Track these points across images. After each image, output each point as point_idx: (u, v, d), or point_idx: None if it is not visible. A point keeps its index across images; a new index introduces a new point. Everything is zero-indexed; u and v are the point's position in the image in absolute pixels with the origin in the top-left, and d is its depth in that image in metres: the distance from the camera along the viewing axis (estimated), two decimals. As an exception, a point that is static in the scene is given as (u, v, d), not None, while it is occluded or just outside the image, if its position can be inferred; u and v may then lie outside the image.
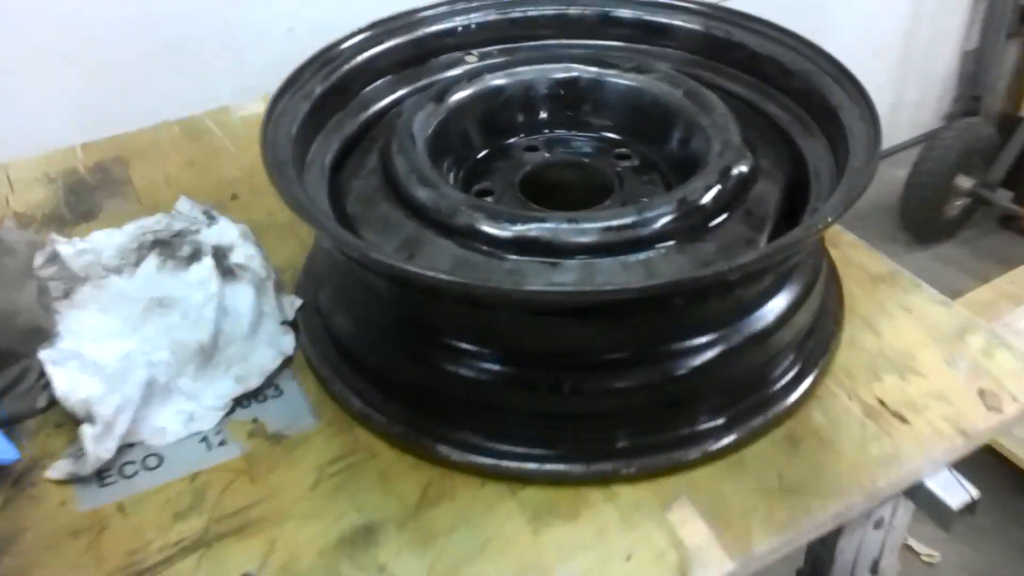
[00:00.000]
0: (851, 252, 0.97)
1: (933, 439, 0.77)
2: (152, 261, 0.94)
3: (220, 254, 0.94)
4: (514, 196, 0.88)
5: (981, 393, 0.81)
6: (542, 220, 0.75)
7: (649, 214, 0.76)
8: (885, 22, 2.48)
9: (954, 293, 2.25)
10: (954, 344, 0.86)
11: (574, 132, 0.96)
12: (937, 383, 0.82)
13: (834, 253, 0.96)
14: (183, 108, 1.55)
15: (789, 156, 0.87)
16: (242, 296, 0.90)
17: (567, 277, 0.73)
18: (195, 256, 0.94)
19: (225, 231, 0.97)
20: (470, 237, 0.75)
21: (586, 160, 0.93)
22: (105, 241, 0.98)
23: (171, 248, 0.95)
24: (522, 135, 0.95)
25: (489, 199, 0.87)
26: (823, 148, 0.86)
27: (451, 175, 0.90)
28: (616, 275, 0.73)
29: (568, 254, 0.74)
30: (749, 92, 0.95)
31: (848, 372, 0.84)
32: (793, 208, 0.82)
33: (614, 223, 0.75)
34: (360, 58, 0.94)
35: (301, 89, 0.88)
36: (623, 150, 0.94)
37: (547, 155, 0.93)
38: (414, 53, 0.99)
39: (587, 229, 0.74)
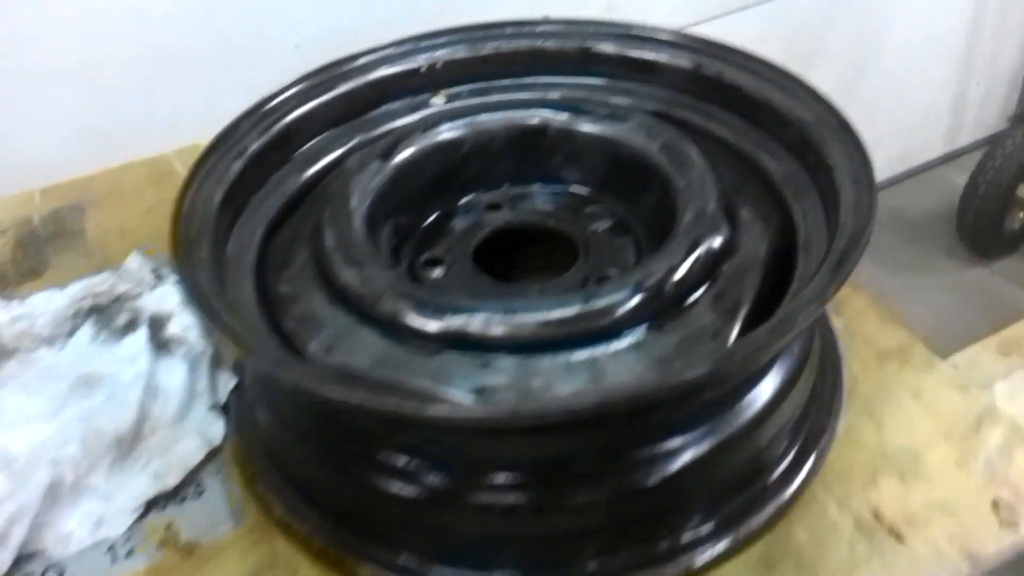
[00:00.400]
0: (858, 321, 0.85)
1: (933, 564, 0.66)
2: (86, 331, 0.87)
3: (157, 324, 0.87)
4: (466, 267, 0.78)
5: (995, 504, 0.70)
6: (473, 310, 0.65)
7: (598, 304, 0.66)
8: (947, 15, 2.32)
9: (1016, 312, 2.10)
10: (968, 440, 0.75)
11: (542, 187, 0.87)
12: (944, 490, 0.71)
13: (838, 322, 0.85)
14: (187, 127, 1.50)
15: (778, 222, 0.75)
16: (174, 374, 0.83)
17: (498, 379, 0.63)
18: (131, 326, 0.87)
19: (167, 296, 0.90)
20: (394, 329, 0.66)
21: (551, 222, 0.83)
22: (44, 305, 0.91)
23: (108, 316, 0.88)
24: (483, 191, 0.86)
25: (438, 270, 0.78)
26: (818, 212, 0.75)
27: (398, 242, 0.80)
28: (555, 377, 0.64)
29: (502, 350, 0.65)
30: (741, 141, 0.83)
31: (840, 474, 0.73)
32: (777, 286, 0.71)
33: (555, 315, 0.65)
34: (308, 106, 0.86)
35: (235, 146, 0.79)
36: (594, 208, 0.84)
37: (509, 215, 0.84)
38: (372, 96, 0.89)
39: (523, 323, 0.65)
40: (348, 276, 0.69)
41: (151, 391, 0.81)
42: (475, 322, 0.65)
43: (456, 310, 0.65)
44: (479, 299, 0.72)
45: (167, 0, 1.46)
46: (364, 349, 0.67)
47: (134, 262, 0.96)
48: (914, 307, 2.17)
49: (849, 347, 0.83)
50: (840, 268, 0.62)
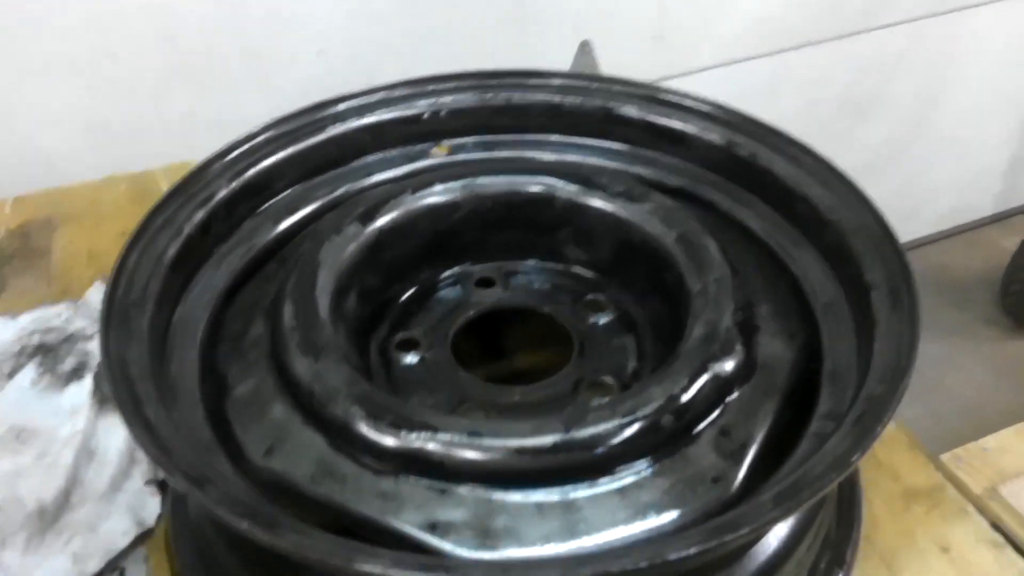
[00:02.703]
0: (885, 449, 0.75)
1: None
2: (28, 374, 0.79)
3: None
4: (443, 354, 0.69)
5: None
6: (435, 429, 0.56)
7: (581, 434, 0.56)
8: (1013, 75, 2.19)
9: (1058, 394, 1.98)
10: (1000, 614, 0.64)
11: (542, 263, 0.77)
12: (966, 675, 0.61)
13: (862, 448, 0.74)
14: (202, 130, 1.43)
15: (803, 341, 0.66)
16: (115, 435, 0.75)
17: (456, 514, 0.54)
18: (77, 372, 0.79)
19: (121, 340, 0.81)
20: (345, 437, 0.57)
21: (546, 308, 0.73)
22: (-10, 335, 0.83)
23: (54, 358, 0.80)
24: (474, 263, 0.77)
25: (411, 356, 0.69)
26: (850, 335, 0.65)
27: (371, 316, 0.71)
28: (522, 519, 0.54)
29: (464, 479, 0.56)
30: (771, 235, 0.74)
31: (849, 641, 0.63)
32: (794, 420, 0.61)
33: (530, 443, 0.56)
34: (290, 149, 0.77)
35: (199, 193, 0.71)
36: (597, 296, 0.74)
37: (500, 294, 0.74)
38: (366, 142, 0.80)
39: (492, 448, 0.55)
40: (300, 367, 0.60)
41: (87, 453, 0.73)
42: (437, 443, 0.56)
43: (416, 426, 0.56)
44: (446, 404, 0.63)
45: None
46: (308, 455, 0.58)
47: (95, 294, 0.88)
48: (949, 377, 2.06)
49: (872, 479, 0.73)
50: (868, 427, 0.53)
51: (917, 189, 2.29)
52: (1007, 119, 2.30)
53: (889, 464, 0.74)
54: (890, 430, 0.73)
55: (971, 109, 2.18)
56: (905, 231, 2.26)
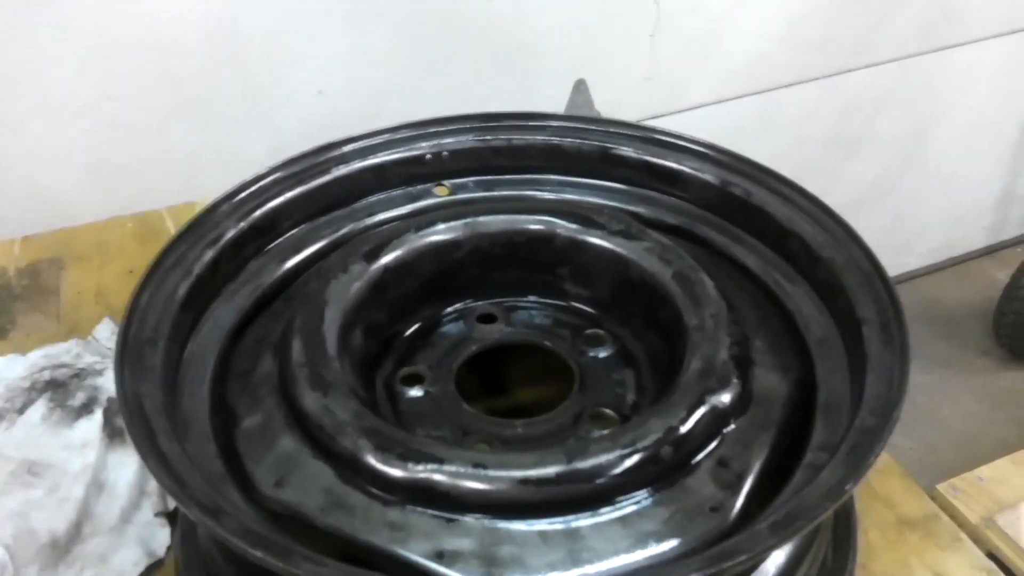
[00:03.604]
0: (880, 479, 0.77)
1: None
2: (39, 409, 0.81)
3: (114, 408, 0.80)
4: (447, 388, 0.71)
5: None
6: (441, 460, 0.58)
7: (583, 465, 0.58)
8: (1003, 110, 2.24)
9: (1051, 423, 2.00)
10: (993, 641, 0.66)
11: (542, 300, 0.79)
12: None
13: (857, 478, 0.76)
14: (205, 170, 1.45)
15: (798, 375, 0.68)
16: (125, 469, 0.76)
17: (462, 543, 0.56)
18: (87, 407, 0.81)
19: (130, 376, 0.83)
20: (353, 469, 0.59)
21: (547, 343, 0.75)
22: (1, 372, 0.85)
23: (64, 393, 0.82)
24: (476, 299, 0.79)
25: (416, 389, 0.71)
26: (843, 368, 0.67)
27: (376, 352, 0.73)
28: (527, 548, 0.56)
29: (470, 510, 0.57)
30: (765, 272, 0.76)
31: (843, 670, 0.64)
32: (790, 450, 0.63)
33: (533, 474, 0.57)
34: (296, 191, 0.79)
35: (209, 233, 0.73)
36: (597, 332, 0.76)
37: (502, 329, 0.76)
38: (369, 183, 0.83)
39: (497, 479, 0.57)
40: (309, 401, 0.62)
41: (97, 486, 0.75)
42: (444, 474, 0.57)
43: (423, 458, 0.58)
44: (451, 436, 0.65)
45: (191, 38, 1.41)
46: (317, 486, 0.59)
47: (104, 331, 0.90)
48: (943, 408, 2.08)
49: (867, 508, 0.74)
50: (862, 457, 0.55)
51: (908, 223, 2.32)
52: (996, 153, 2.33)
53: (884, 493, 0.76)
54: (884, 460, 0.75)
55: (959, 144, 2.22)
56: (897, 264, 2.30)
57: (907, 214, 2.28)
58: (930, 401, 2.11)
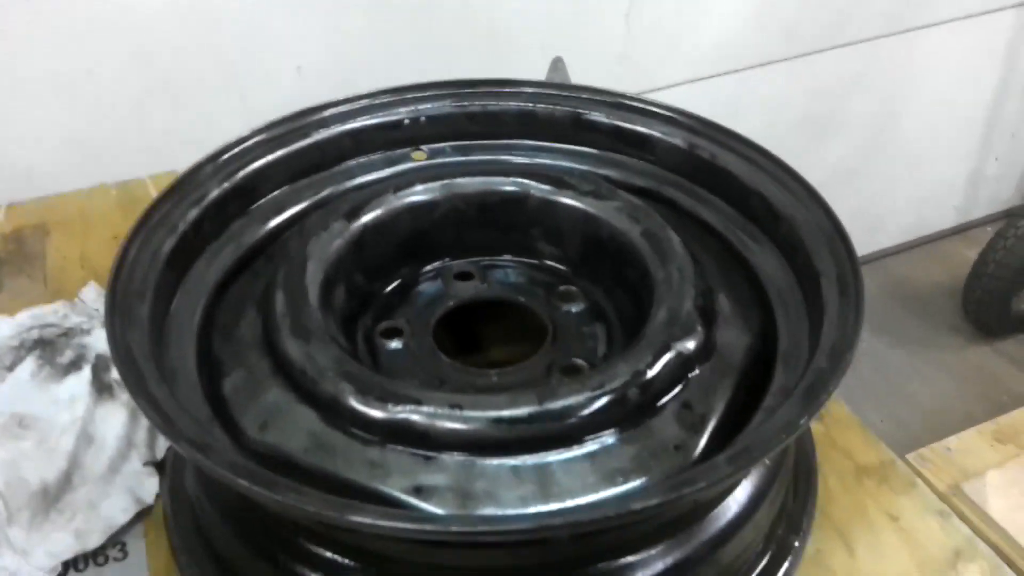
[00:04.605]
0: (838, 431, 0.80)
1: None
2: (28, 366, 0.83)
3: (102, 365, 0.82)
4: (425, 342, 0.74)
5: (965, 653, 0.65)
6: (419, 402, 0.61)
7: (554, 406, 0.61)
8: (971, 91, 2.28)
9: (1018, 397, 2.05)
10: (943, 575, 0.69)
11: (517, 258, 0.82)
12: (912, 631, 0.66)
13: (817, 428, 0.80)
14: (182, 147, 1.46)
15: (759, 325, 0.71)
16: (113, 421, 0.78)
17: (439, 479, 0.59)
18: (75, 364, 0.83)
19: (116, 335, 0.85)
20: (335, 412, 0.62)
21: (521, 299, 0.78)
22: (-11, 332, 0.87)
23: (53, 351, 0.84)
24: (453, 258, 0.81)
25: (395, 342, 0.74)
26: (802, 319, 0.70)
27: (356, 307, 0.76)
28: (500, 483, 0.59)
29: (446, 448, 0.60)
30: (729, 230, 0.79)
31: (803, 603, 0.68)
32: (751, 395, 0.66)
33: (507, 415, 0.60)
34: (277, 154, 0.81)
35: (192, 193, 0.75)
36: (569, 288, 0.79)
37: (478, 286, 0.79)
38: (348, 147, 0.85)
39: (471, 419, 0.60)
40: (292, 349, 0.65)
41: (86, 438, 0.77)
42: (421, 415, 0.60)
43: (402, 400, 0.61)
44: (429, 385, 0.68)
45: (166, 17, 1.43)
46: (300, 429, 0.62)
47: (89, 294, 0.92)
48: (913, 383, 2.12)
49: (826, 458, 0.78)
50: (814, 395, 0.58)
51: (879, 204, 2.36)
52: (965, 134, 2.38)
53: (844, 445, 0.79)
54: (844, 414, 0.79)
55: (929, 125, 2.26)
56: (869, 243, 2.34)
57: (878, 194, 2.33)
58: (900, 376, 2.16)
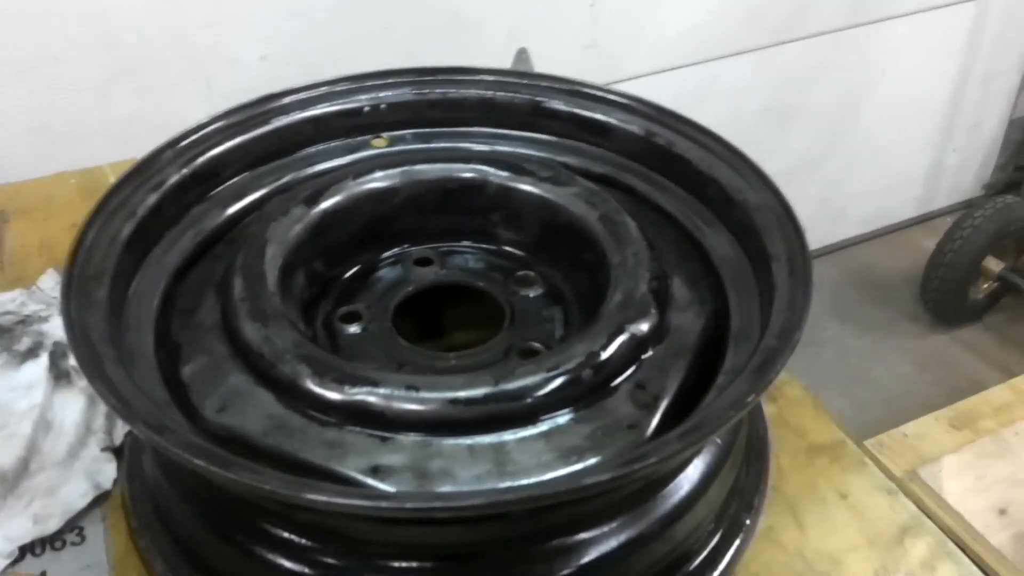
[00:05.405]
0: (792, 411, 0.82)
1: None
2: (-15, 353, 0.82)
3: (60, 352, 0.82)
4: (384, 325, 0.75)
5: (910, 624, 0.66)
6: (375, 383, 0.61)
7: (509, 386, 0.62)
8: (932, 83, 2.32)
9: (974, 384, 2.09)
10: (891, 550, 0.72)
11: (475, 244, 0.83)
12: (860, 604, 0.68)
13: (771, 409, 0.82)
14: (146, 134, 1.46)
15: (713, 307, 0.72)
16: (71, 408, 0.78)
17: (395, 458, 0.60)
18: (33, 351, 0.83)
19: (75, 322, 0.85)
20: (293, 394, 0.62)
21: (480, 284, 0.79)
22: (-54, 320, 0.87)
23: (10, 338, 0.84)
24: (412, 244, 0.82)
25: (354, 327, 0.74)
26: (754, 301, 0.72)
27: (315, 293, 0.76)
28: (457, 461, 0.60)
29: (403, 428, 0.61)
30: (685, 215, 0.80)
31: (755, 577, 0.69)
32: (704, 375, 0.68)
33: (463, 395, 0.61)
34: (237, 140, 0.81)
35: (152, 178, 0.75)
36: (528, 273, 0.80)
37: (437, 271, 0.80)
38: (308, 134, 0.85)
39: (428, 400, 0.61)
40: (250, 332, 0.65)
41: (44, 424, 0.77)
42: (377, 396, 0.61)
43: (358, 381, 0.61)
44: (387, 368, 0.69)
45: (132, 3, 1.42)
46: (259, 412, 0.63)
47: (48, 282, 0.92)
48: (874, 370, 2.16)
49: (779, 437, 0.79)
50: (764, 372, 0.59)
51: (841, 193, 2.39)
52: (926, 126, 2.42)
53: (796, 424, 0.81)
54: (797, 394, 0.81)
55: (891, 116, 2.30)
56: (832, 233, 2.38)
57: (840, 184, 2.36)
58: (862, 363, 2.19)
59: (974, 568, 0.70)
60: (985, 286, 2.25)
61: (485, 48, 1.61)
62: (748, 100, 2.05)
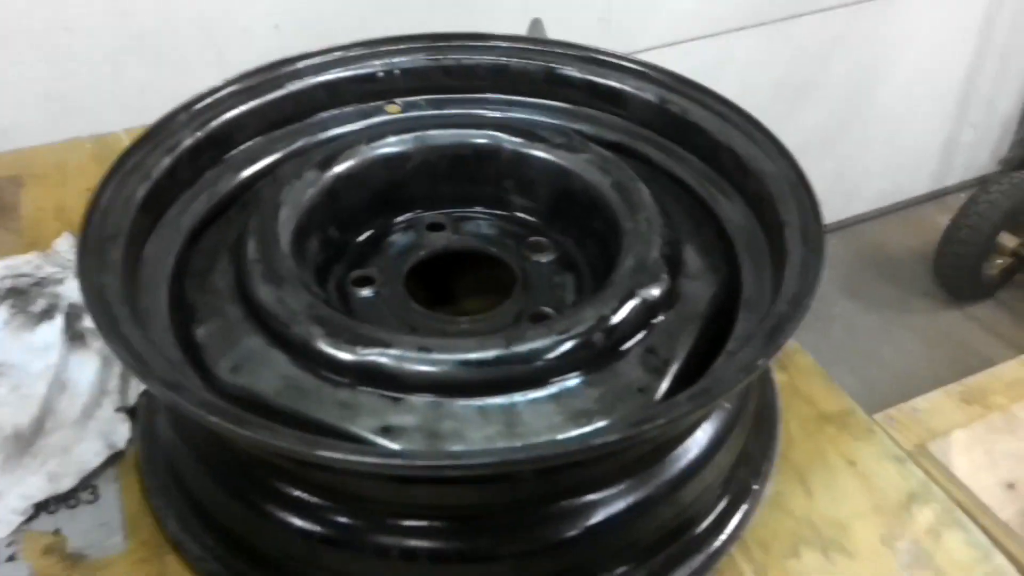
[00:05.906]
0: (802, 379, 0.82)
1: (845, 649, 0.64)
2: (1, 314, 0.83)
3: (74, 314, 0.83)
4: (396, 289, 0.75)
5: (917, 590, 0.67)
6: (388, 344, 0.62)
7: (520, 349, 0.62)
8: (948, 57, 2.29)
9: (985, 361, 2.08)
10: (898, 517, 0.72)
11: (488, 210, 0.83)
12: (866, 569, 0.68)
13: (781, 377, 0.82)
14: (158, 103, 1.46)
15: (725, 274, 0.72)
16: (86, 369, 0.79)
17: (407, 419, 0.60)
18: (48, 313, 0.83)
19: (90, 285, 0.86)
20: (306, 355, 0.63)
21: (492, 249, 0.79)
22: (-37, 281, 0.87)
23: (26, 299, 0.84)
24: (425, 210, 0.82)
25: (367, 290, 0.75)
26: (767, 269, 0.72)
27: (328, 257, 0.77)
28: (467, 422, 0.60)
29: (414, 389, 0.61)
30: (699, 184, 0.80)
31: (762, 542, 0.70)
32: (715, 341, 0.68)
33: (474, 357, 0.62)
34: (250, 104, 0.82)
35: (166, 141, 0.76)
36: (540, 239, 0.80)
37: (450, 237, 0.80)
38: (322, 99, 0.86)
39: (439, 361, 0.61)
40: (264, 293, 0.66)
41: (59, 385, 0.78)
42: (390, 357, 0.61)
43: (371, 342, 0.62)
44: (400, 330, 0.69)
45: (143, -31, 1.42)
46: (272, 372, 0.63)
47: (63, 244, 0.92)
48: (885, 346, 2.16)
49: (789, 405, 0.80)
50: (774, 338, 0.59)
51: (855, 169, 2.38)
52: (941, 101, 2.40)
53: (807, 393, 0.81)
54: (808, 363, 0.81)
55: (906, 91, 2.28)
56: (845, 209, 2.37)
57: (854, 160, 2.35)
58: (872, 339, 2.19)
59: (981, 535, 0.70)
60: (999, 262, 2.24)
61: (501, 19, 1.60)
62: (762, 74, 2.03)
